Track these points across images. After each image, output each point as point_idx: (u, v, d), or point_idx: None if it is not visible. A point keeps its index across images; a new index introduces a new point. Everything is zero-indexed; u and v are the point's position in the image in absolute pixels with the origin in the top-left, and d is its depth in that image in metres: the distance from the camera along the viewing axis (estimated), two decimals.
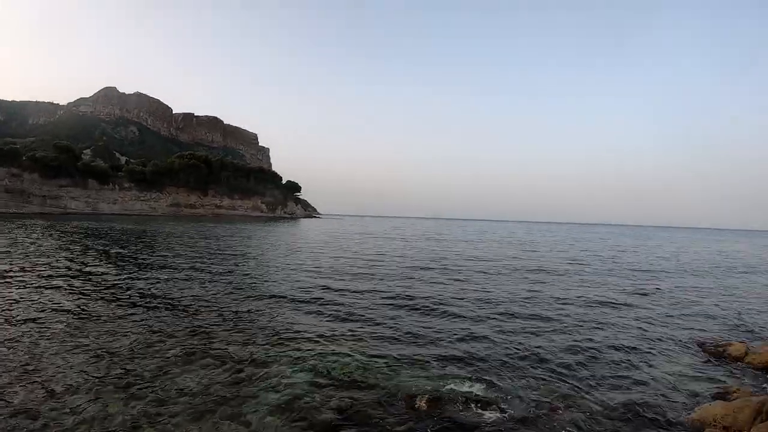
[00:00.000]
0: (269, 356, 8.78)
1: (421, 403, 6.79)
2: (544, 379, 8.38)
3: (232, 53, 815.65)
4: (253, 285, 16.53)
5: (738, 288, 21.91)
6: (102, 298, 13.28)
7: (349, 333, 10.74)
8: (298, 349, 9.25)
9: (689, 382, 8.63)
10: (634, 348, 10.74)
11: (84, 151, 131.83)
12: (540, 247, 45.37)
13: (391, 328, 11.36)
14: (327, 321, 11.80)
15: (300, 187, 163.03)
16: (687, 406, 7.54)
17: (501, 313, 13.61)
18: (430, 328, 11.62)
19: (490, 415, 6.65)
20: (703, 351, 10.68)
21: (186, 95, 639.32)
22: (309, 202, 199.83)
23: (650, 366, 9.51)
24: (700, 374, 9.17)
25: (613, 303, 16.17)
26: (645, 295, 18.52)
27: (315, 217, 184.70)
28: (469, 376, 8.24)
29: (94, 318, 11.21)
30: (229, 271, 19.69)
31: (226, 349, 9.21)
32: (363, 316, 12.47)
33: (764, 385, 8.55)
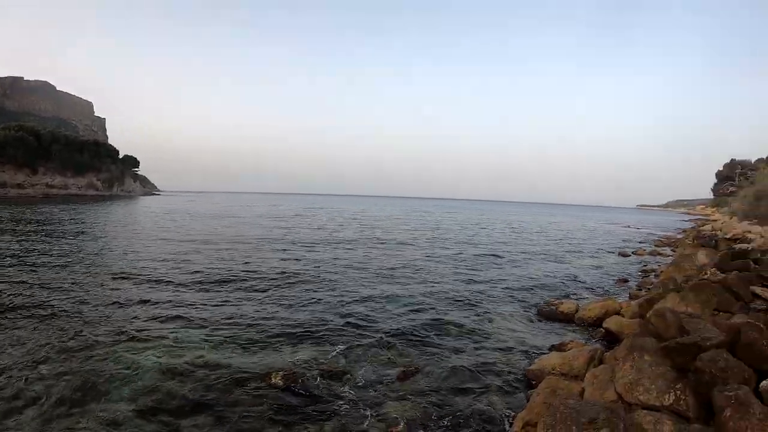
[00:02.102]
0: (116, 350, 8.09)
1: (277, 380, 6.86)
2: (394, 347, 8.66)
3: (64, 5, 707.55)
4: (87, 276, 14.11)
5: (564, 254, 25.14)
6: None
7: (197, 317, 10.18)
8: (146, 339, 8.70)
9: (528, 339, 9.54)
10: (476, 313, 11.46)
11: None
12: (382, 223, 46.69)
13: (237, 309, 10.98)
14: (171, 307, 10.97)
15: (138, 162, 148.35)
16: (527, 359, 8.24)
17: (342, 287, 13.67)
18: (278, 305, 11.44)
19: (343, 386, 6.90)
20: (538, 311, 11.89)
21: (12, 54, 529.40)
22: (148, 178, 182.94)
23: (492, 328, 10.25)
24: (537, 331, 10.23)
25: (453, 272, 17.07)
26: (485, 264, 19.91)
27: (154, 194, 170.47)
28: (323, 349, 8.40)
29: None
30: (58, 261, 16.86)
31: (67, 346, 8.23)
32: (208, 298, 11.94)
33: (594, 336, 9.65)
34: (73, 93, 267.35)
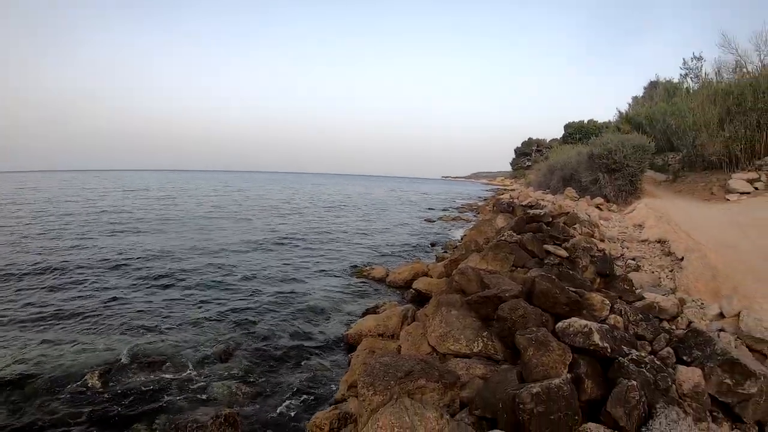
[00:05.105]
0: None
1: (94, 380, 6.55)
2: (212, 328, 8.54)
3: None
4: None
5: (374, 222, 26.64)
6: None
7: None
8: None
9: (344, 306, 10.07)
10: (292, 286, 11.61)
11: None
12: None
13: (40, 303, 9.74)
14: None
15: None
16: (345, 325, 8.69)
17: (152, 270, 12.64)
18: (83, 294, 10.43)
19: (166, 374, 6.77)
20: (350, 277, 12.67)
21: None
22: None
23: (308, 299, 10.50)
24: (352, 298, 10.77)
25: (264, 249, 16.78)
26: (295, 237, 19.76)
27: None
28: (139, 338, 8.05)
29: None
30: None
31: None
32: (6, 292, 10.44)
33: (405, 297, 10.49)
34: None
